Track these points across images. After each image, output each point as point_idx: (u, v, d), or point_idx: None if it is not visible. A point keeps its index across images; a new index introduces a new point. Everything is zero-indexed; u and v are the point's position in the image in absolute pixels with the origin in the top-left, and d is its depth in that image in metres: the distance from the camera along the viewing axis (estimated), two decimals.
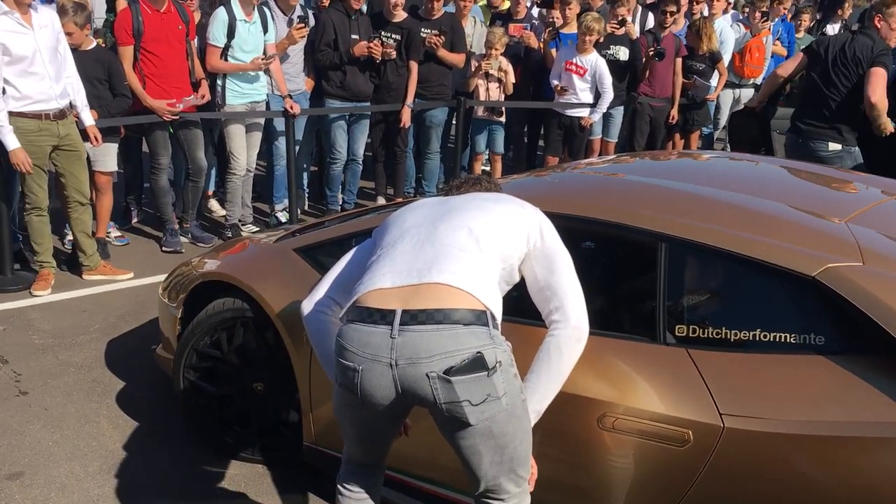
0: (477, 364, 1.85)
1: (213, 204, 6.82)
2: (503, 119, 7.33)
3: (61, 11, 5.01)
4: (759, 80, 9.31)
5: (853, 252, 2.23)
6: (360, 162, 6.77)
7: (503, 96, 7.15)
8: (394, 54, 6.36)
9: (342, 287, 2.28)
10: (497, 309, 1.99)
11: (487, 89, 7.05)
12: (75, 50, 5.08)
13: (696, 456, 2.12)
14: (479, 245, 2.05)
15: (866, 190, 3.02)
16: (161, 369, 3.72)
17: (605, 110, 7.11)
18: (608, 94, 6.99)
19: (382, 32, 6.38)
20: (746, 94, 9.45)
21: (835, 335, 2.13)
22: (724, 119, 9.36)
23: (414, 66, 6.54)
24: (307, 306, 2.32)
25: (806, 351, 2.14)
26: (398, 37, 6.43)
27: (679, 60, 7.82)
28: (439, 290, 1.92)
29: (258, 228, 6.37)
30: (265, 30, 5.86)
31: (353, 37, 6.20)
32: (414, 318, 1.88)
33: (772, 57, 9.35)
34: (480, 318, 1.90)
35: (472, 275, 1.97)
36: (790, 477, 2.00)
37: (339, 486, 2.27)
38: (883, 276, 2.14)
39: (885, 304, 2.04)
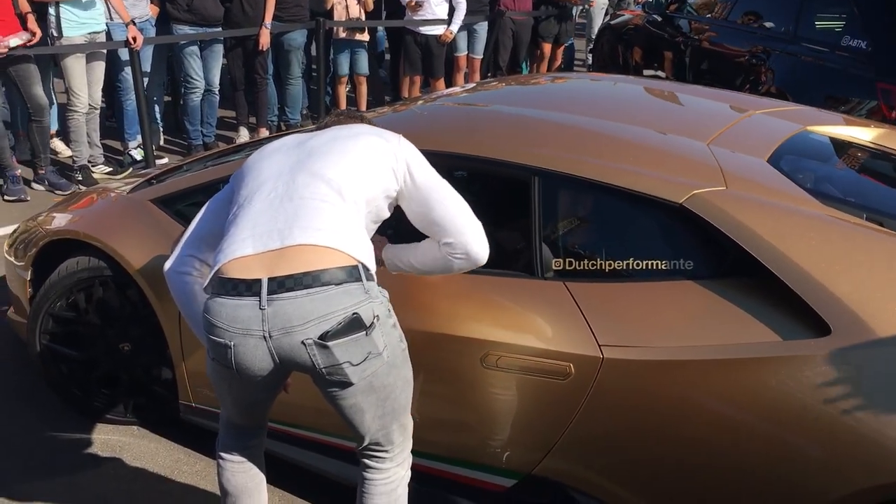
0: (354, 325, 1.78)
1: (58, 144, 6.32)
2: (366, 39, 7.09)
3: None
4: None
5: (716, 176, 2.28)
6: (217, 92, 6.42)
7: (364, 15, 6.91)
8: None
9: (203, 241, 2.14)
10: (369, 258, 1.90)
11: (346, 8, 6.78)
12: None
13: (578, 388, 2.16)
14: (341, 194, 1.93)
15: (726, 109, 3.09)
16: (14, 333, 3.46)
17: (460, 23, 7.00)
18: (462, 7, 6.89)
19: None
20: (598, 2, 9.59)
21: (703, 260, 2.19)
22: (595, 30, 9.52)
23: None
24: (168, 267, 2.17)
25: (676, 277, 2.19)
26: None
27: None
28: (304, 252, 1.81)
29: (111, 169, 5.97)
30: None
31: None
32: (281, 285, 1.77)
33: None
34: (352, 273, 1.81)
35: (338, 228, 1.86)
36: (668, 402, 2.07)
37: (219, 453, 2.17)
38: (745, 200, 2.19)
39: (748, 228, 2.10)
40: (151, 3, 6.02)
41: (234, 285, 1.81)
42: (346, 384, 1.83)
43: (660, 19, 7.38)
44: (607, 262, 2.28)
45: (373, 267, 1.91)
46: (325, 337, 1.76)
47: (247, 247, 1.84)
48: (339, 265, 1.81)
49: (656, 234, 2.29)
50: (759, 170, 2.40)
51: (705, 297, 2.12)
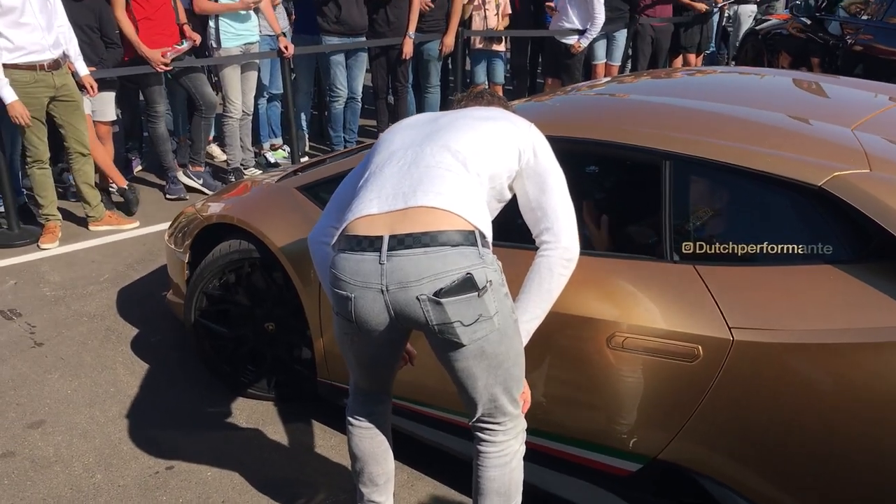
0: (467, 285, 1.85)
1: (214, 149, 6.78)
2: (503, 49, 7.20)
3: None
4: None
5: (860, 159, 2.20)
6: (359, 99, 6.70)
7: (502, 25, 7.02)
8: None
9: (341, 212, 2.27)
10: (487, 228, 1.97)
11: (485, 18, 6.91)
12: None
13: (707, 370, 2.13)
14: (465, 165, 2.02)
15: (872, 97, 2.96)
16: (172, 314, 3.75)
17: (592, 37, 6.96)
18: (599, 19, 6.85)
19: None
20: (746, 9, 9.27)
21: (843, 244, 2.11)
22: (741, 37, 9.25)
23: None
24: (311, 237, 2.32)
25: (814, 261, 2.12)
26: None
27: None
28: (425, 213, 1.90)
29: (261, 172, 6.35)
30: None
31: None
32: (401, 242, 1.87)
33: None
34: (468, 238, 1.89)
35: (459, 195, 1.94)
36: (800, 386, 2.00)
37: (348, 418, 2.29)
38: (890, 182, 2.11)
39: (894, 210, 2.01)
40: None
41: (358, 241, 1.93)
42: (457, 345, 1.90)
43: (808, 22, 7.09)
44: (740, 246, 2.23)
45: (489, 236, 1.97)
46: (439, 294, 1.84)
47: (373, 207, 1.96)
48: (456, 228, 1.89)
49: (793, 218, 2.23)
50: None
51: (845, 281, 2.04)
